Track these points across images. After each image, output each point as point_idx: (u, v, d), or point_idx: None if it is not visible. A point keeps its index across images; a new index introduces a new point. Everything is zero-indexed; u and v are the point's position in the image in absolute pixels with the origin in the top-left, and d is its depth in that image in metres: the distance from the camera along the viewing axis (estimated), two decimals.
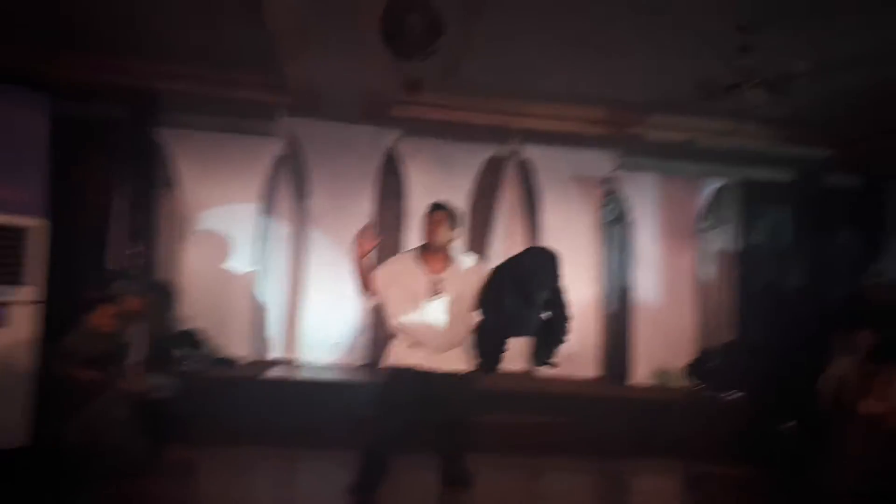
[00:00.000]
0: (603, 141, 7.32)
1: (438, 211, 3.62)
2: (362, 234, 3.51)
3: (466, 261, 3.67)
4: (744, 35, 4.84)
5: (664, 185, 7.63)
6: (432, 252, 3.59)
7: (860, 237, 7.68)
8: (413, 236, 7.32)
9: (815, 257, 7.99)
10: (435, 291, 3.51)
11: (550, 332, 3.48)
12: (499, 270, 3.55)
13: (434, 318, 3.47)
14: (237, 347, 6.78)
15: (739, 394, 6.48)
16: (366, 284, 3.58)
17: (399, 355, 3.54)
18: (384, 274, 3.59)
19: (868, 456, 4.53)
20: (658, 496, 4.50)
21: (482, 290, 3.51)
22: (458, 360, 3.53)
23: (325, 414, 5.45)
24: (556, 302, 3.48)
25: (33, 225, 4.06)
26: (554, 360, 3.53)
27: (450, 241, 3.59)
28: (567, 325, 3.50)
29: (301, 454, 4.86)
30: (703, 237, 7.99)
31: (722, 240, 8.06)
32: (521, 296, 3.37)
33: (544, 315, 3.46)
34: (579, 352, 7.20)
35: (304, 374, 6.39)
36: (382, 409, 3.51)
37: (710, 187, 7.83)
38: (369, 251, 3.53)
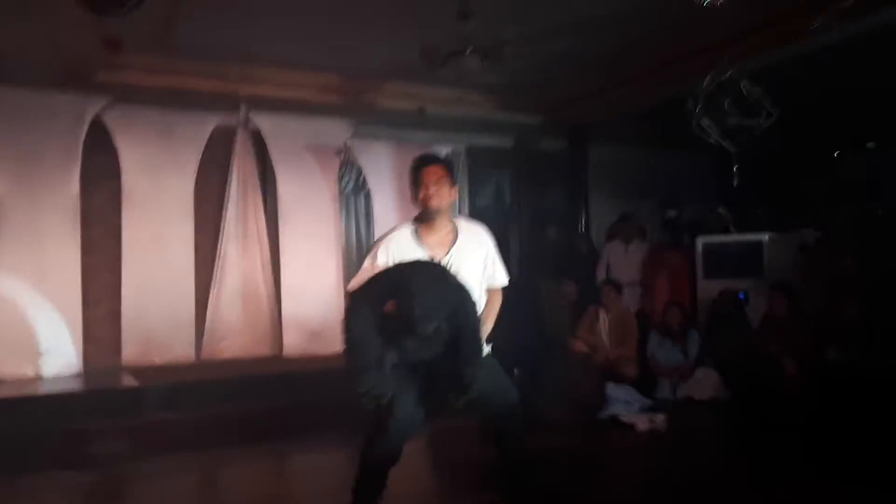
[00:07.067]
0: (336, 109, 7.21)
1: (436, 165, 2.82)
2: None
3: (470, 228, 2.88)
4: (462, 2, 5.03)
5: (398, 153, 7.78)
6: (431, 223, 2.80)
7: (568, 195, 8.64)
8: (137, 221, 6.59)
9: (533, 215, 8.86)
10: None
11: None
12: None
13: None
14: None
15: None
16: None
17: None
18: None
19: (578, 389, 5.15)
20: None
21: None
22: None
23: (33, 432, 4.68)
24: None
25: None
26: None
27: (450, 206, 2.83)
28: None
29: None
30: None
31: (454, 205, 8.50)
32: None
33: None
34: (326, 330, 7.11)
35: (6, 392, 5.43)
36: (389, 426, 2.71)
37: (441, 154, 8.16)
38: None
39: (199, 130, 6.88)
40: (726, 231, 6.86)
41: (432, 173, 2.79)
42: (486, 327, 2.80)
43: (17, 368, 5.96)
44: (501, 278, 2.89)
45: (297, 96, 6.86)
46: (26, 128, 6.09)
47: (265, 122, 7.12)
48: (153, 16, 4.20)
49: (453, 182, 2.84)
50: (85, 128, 6.34)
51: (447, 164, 2.87)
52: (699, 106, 5.89)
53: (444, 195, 2.77)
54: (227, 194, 7.07)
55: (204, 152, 6.90)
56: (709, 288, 6.47)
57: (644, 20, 5.66)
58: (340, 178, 7.68)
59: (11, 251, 6.00)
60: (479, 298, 2.81)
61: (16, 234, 6.02)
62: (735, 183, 7.13)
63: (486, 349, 2.85)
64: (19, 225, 6.03)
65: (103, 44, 4.50)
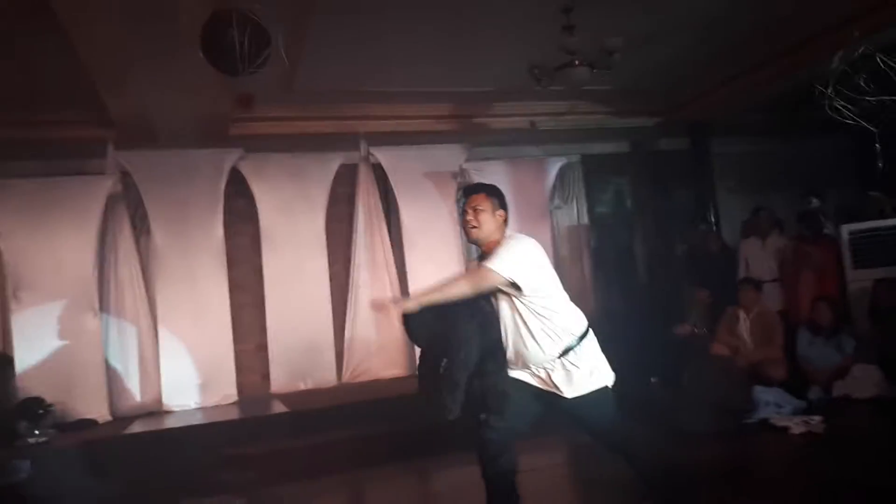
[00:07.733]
0: (450, 135, 7.42)
1: (476, 193, 2.92)
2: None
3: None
4: (567, 15, 5.05)
5: (513, 171, 7.87)
6: (487, 251, 2.89)
7: (693, 194, 8.32)
8: (276, 257, 7.07)
9: (657, 218, 8.59)
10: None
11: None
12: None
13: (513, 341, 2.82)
14: (93, 407, 6.19)
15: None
16: None
17: None
18: None
19: (722, 394, 4.90)
20: (548, 469, 4.61)
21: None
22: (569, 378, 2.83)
23: (201, 460, 5.09)
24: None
25: None
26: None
27: (498, 228, 2.89)
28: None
29: None
30: (555, 215, 8.32)
31: (572, 215, 8.43)
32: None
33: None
34: None
35: (174, 422, 5.98)
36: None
37: (556, 166, 8.16)
38: None
39: (325, 169, 7.31)
40: (881, 216, 6.31)
41: (472, 202, 2.90)
42: (434, 296, 2.76)
43: (180, 400, 6.56)
44: (489, 263, 2.78)
45: (412, 128, 7.14)
46: (175, 183, 6.75)
47: (384, 155, 7.44)
48: (275, 70, 4.53)
49: (498, 206, 2.89)
50: (224, 177, 6.94)
51: (489, 191, 2.93)
52: (830, 88, 5.52)
53: (483, 222, 2.85)
54: (354, 226, 7.44)
55: (331, 189, 7.33)
56: (860, 278, 6.01)
57: (757, 10, 5.43)
58: (458, 201, 7.85)
59: (170, 293, 6.65)
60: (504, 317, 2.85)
61: (173, 278, 6.66)
62: (880, 164, 6.58)
63: (605, 380, 2.86)
64: (175, 269, 6.67)
65: (237, 101, 4.87)
